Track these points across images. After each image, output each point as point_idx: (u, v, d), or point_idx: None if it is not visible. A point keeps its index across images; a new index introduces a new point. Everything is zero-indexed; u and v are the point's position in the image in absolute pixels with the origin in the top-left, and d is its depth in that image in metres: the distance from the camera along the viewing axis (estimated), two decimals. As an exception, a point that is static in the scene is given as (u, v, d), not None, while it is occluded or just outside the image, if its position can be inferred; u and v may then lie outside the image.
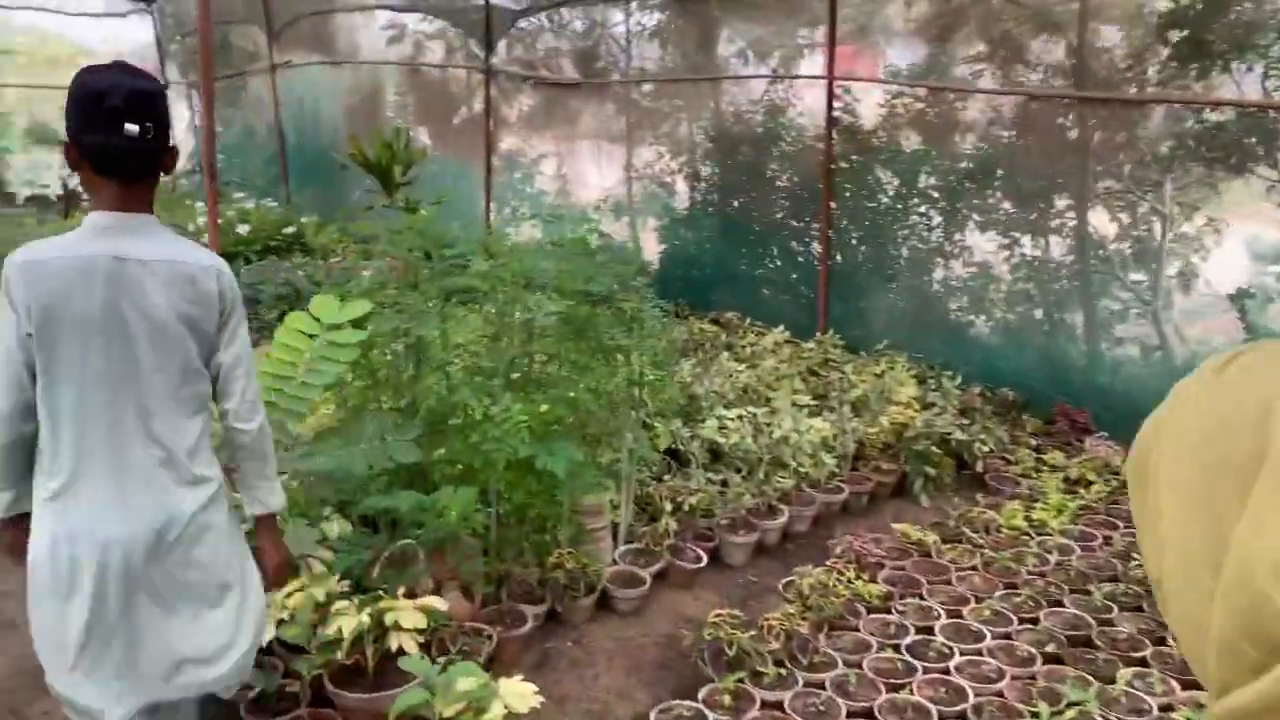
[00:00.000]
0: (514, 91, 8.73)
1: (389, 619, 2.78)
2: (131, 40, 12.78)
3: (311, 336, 3.30)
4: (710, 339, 6.37)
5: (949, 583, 3.74)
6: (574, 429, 3.50)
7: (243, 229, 8.60)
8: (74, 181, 12.26)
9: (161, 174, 2.10)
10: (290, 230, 8.52)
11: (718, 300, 7.20)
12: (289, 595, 2.83)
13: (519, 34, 8.52)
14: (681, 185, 7.77)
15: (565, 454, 3.09)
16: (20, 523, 2.11)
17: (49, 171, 12.56)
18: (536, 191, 9.26)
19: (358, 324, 3.35)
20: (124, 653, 2.07)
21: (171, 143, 2.09)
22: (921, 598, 3.62)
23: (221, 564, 2.19)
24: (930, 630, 3.38)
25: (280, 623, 2.81)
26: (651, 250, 7.95)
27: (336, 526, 3.37)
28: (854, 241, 6.68)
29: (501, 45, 8.51)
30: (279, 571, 2.37)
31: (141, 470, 2.05)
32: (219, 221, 7.13)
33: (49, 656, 2.11)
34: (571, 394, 3.36)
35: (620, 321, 3.70)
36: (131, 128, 1.95)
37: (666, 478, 4.42)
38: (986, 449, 4.87)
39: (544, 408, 3.23)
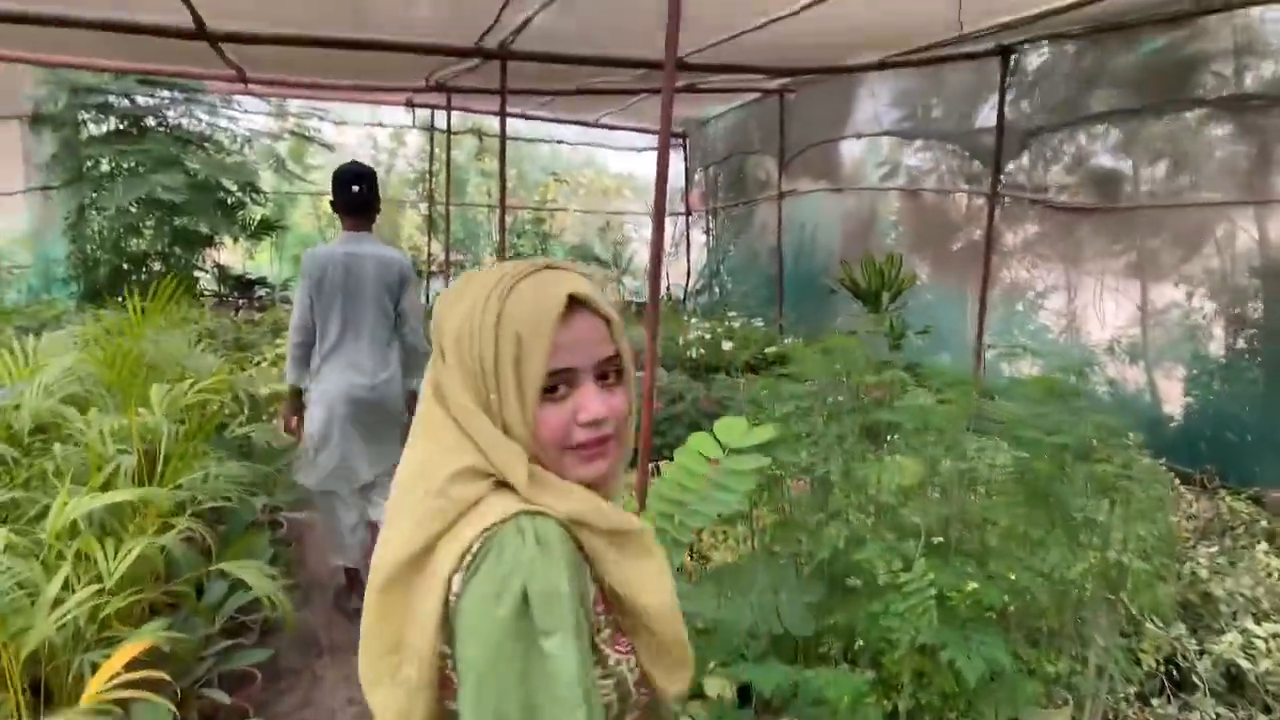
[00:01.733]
0: (1020, 217, 7.95)
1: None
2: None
3: (710, 460, 2.95)
4: (1245, 522, 4.97)
5: None
6: (1011, 620, 2.71)
7: (726, 345, 8.77)
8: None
9: (374, 215, 4.38)
10: (773, 349, 8.49)
11: (1262, 473, 5.68)
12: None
13: (1032, 153, 7.76)
14: (1218, 329, 6.37)
15: (985, 651, 2.33)
16: (299, 395, 4.34)
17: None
18: (1038, 327, 8.27)
19: (764, 450, 2.93)
20: (351, 448, 4.28)
21: (377, 200, 4.36)
22: None
23: (395, 409, 4.32)
24: None
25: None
26: (1173, 403, 6.58)
27: (718, 686, 2.93)
28: None
29: (1011, 166, 7.82)
30: None
31: (363, 355, 4.23)
32: (687, 337, 7.25)
33: (311, 459, 4.32)
34: (1013, 574, 2.59)
35: (1097, 487, 2.84)
36: (355, 188, 4.27)
37: (1156, 702, 3.35)
38: None
39: (971, 585, 2.50)
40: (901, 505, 2.88)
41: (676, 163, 14.04)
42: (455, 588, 1.09)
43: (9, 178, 9.42)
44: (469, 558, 1.09)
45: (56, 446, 3.35)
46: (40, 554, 2.86)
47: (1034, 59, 7.47)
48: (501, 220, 7.33)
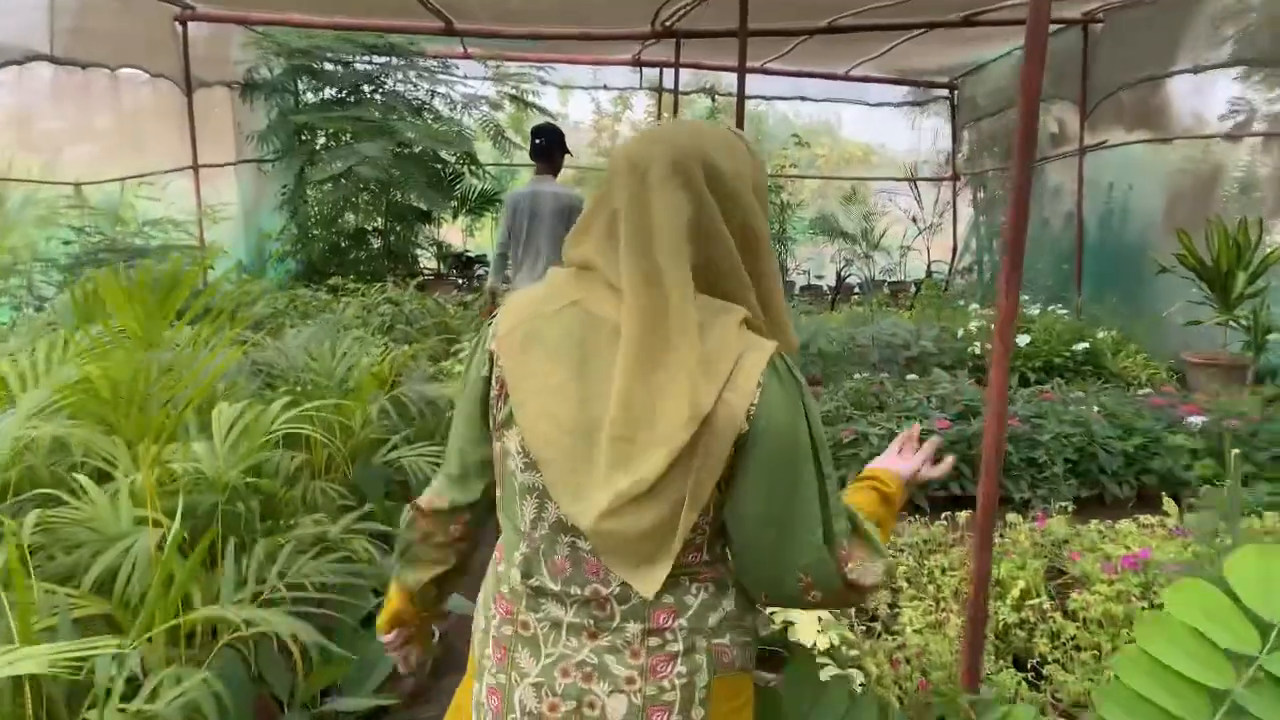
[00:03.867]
0: None
1: None
2: (925, 133, 12.17)
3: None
4: None
5: None
6: None
7: (1021, 340, 6.95)
8: (845, 272, 12.07)
9: (556, 162, 5.67)
10: (1081, 346, 6.61)
11: None
12: None
13: None
14: None
15: None
16: (494, 298, 5.82)
17: (828, 265, 12.53)
18: None
19: None
20: None
21: (560, 151, 5.67)
22: None
23: None
24: None
25: None
26: None
27: None
28: None
29: None
30: None
31: (540, 268, 5.35)
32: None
33: None
34: None
35: None
36: (538, 140, 5.62)
37: None
38: None
39: None
40: None
41: (939, 120, 12.08)
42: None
43: (220, 149, 8.94)
44: None
45: (30, 520, 2.18)
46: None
47: None
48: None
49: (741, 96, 5.39)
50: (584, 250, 1.33)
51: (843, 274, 11.73)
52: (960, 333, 6.97)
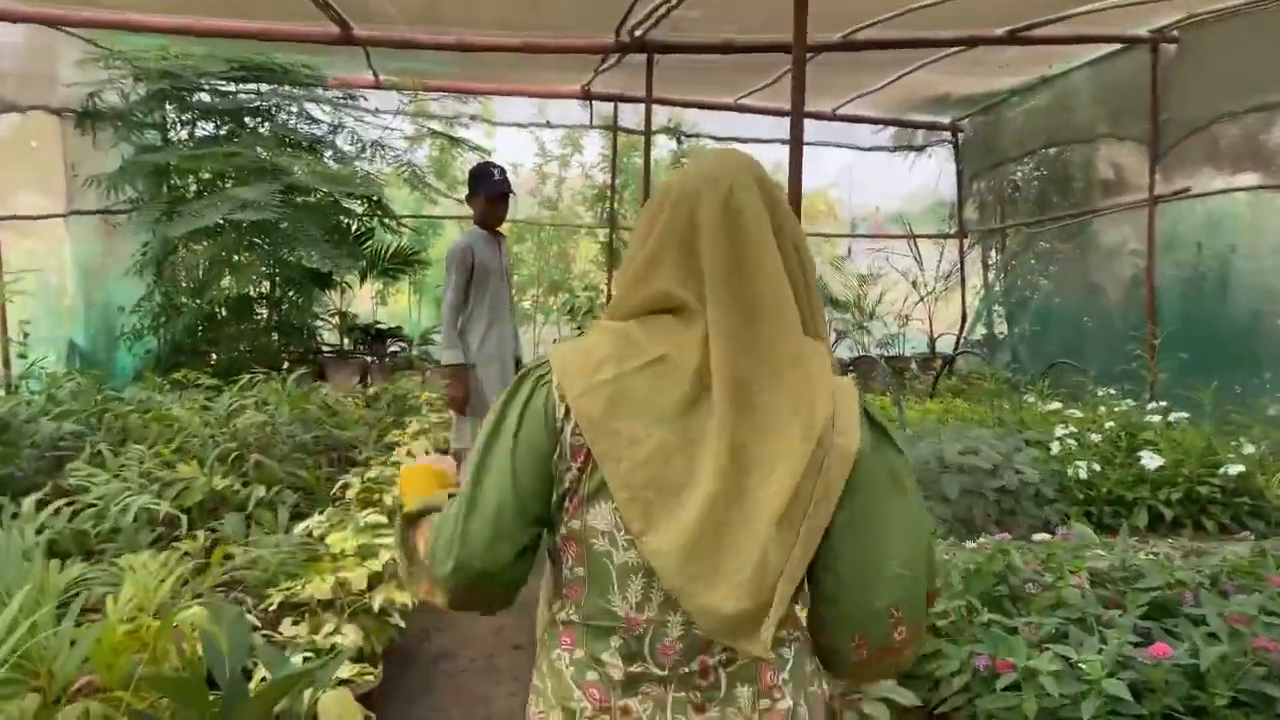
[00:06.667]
0: None
1: None
2: (924, 182, 10.44)
3: None
4: None
5: None
6: None
7: (1148, 459, 5.06)
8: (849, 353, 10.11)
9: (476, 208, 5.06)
10: (1235, 470, 4.72)
11: None
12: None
13: None
14: None
15: None
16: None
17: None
18: None
19: None
20: None
21: (477, 192, 5.01)
22: None
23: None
24: None
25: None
26: None
27: None
28: None
29: None
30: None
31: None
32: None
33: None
34: None
35: None
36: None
37: None
38: None
39: None
40: None
41: (941, 167, 10.35)
42: None
43: (42, 195, 6.69)
44: None
45: None
46: None
47: None
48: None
49: (798, 141, 3.45)
50: (658, 286, 1.27)
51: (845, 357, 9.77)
52: (1054, 447, 5.03)
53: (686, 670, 1.23)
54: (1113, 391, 6.16)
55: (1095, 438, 5.12)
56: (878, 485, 1.22)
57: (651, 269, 1.26)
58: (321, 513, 3.90)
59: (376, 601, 3.15)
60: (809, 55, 7.03)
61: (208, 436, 4.38)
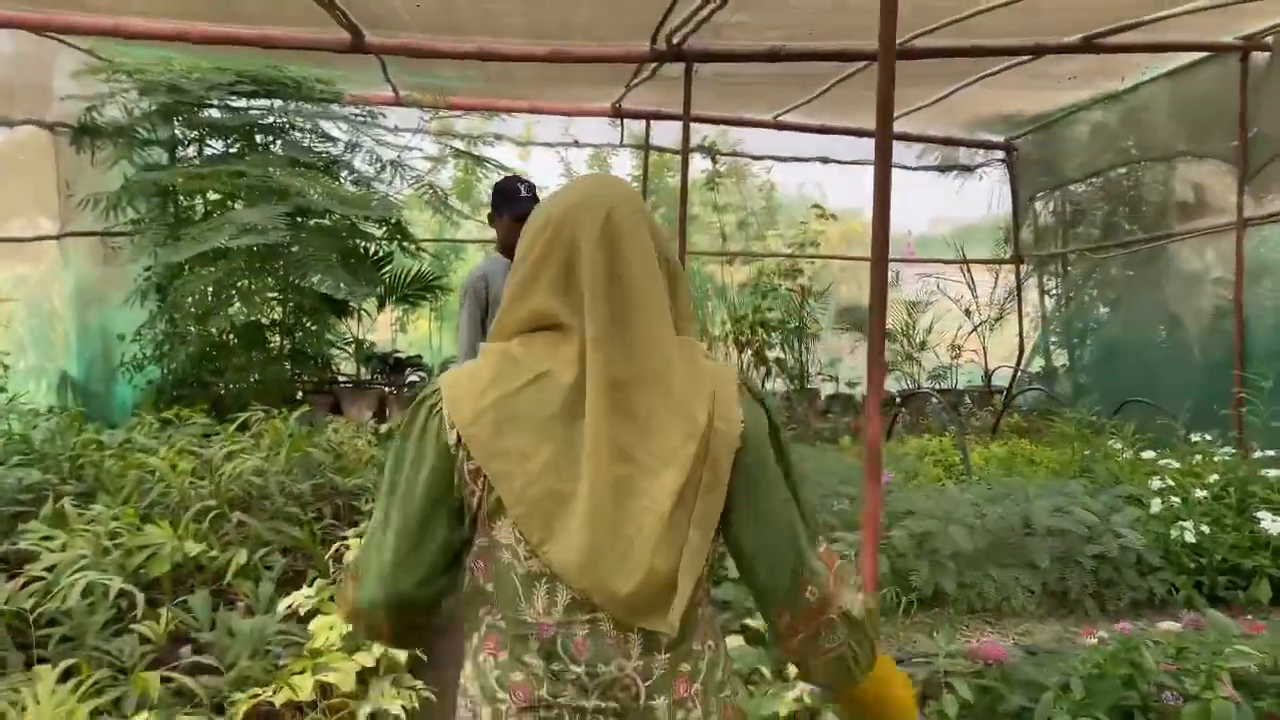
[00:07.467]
0: None
1: None
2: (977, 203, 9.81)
3: None
4: None
5: None
6: None
7: (1200, 494, 4.45)
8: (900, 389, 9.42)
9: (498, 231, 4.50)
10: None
11: None
12: None
13: None
14: None
15: None
16: None
17: (845, 365, 9.95)
18: None
19: None
20: None
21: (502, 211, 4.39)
22: None
23: None
24: None
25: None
26: None
27: None
28: None
29: None
30: None
31: None
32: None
33: None
34: None
35: None
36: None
37: None
38: None
39: None
40: None
41: (994, 188, 9.73)
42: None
43: (34, 215, 6.23)
44: None
45: None
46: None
47: None
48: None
49: (885, 158, 2.93)
50: (536, 303, 1.31)
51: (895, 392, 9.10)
52: (1155, 505, 4.39)
53: (606, 678, 1.26)
54: (1208, 437, 5.50)
55: (1200, 493, 4.47)
56: (761, 458, 1.31)
57: (530, 288, 1.31)
58: (311, 584, 3.35)
59: (364, 712, 2.57)
60: (861, 64, 6.52)
61: (186, 489, 3.84)
